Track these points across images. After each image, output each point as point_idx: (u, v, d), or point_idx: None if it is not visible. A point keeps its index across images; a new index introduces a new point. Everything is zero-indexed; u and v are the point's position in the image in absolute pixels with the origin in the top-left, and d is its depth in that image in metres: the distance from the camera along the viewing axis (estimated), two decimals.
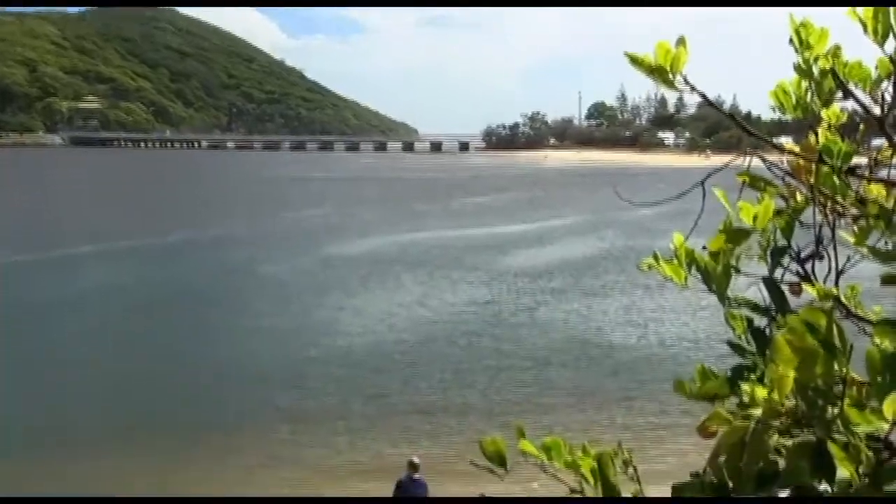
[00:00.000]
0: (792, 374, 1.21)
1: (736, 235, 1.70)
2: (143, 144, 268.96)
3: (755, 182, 1.77)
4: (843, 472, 1.28)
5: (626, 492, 1.67)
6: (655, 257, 2.01)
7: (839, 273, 1.81)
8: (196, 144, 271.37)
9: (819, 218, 1.86)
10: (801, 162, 1.66)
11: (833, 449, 1.26)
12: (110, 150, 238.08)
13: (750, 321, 1.88)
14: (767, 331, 1.85)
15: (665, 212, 48.47)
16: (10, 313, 33.64)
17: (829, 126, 1.67)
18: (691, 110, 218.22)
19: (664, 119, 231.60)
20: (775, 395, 1.21)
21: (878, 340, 1.41)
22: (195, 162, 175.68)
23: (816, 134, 1.66)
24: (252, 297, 35.75)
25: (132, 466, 18.69)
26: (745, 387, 1.34)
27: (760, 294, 1.96)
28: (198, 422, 21.77)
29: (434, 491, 13.53)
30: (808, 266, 1.89)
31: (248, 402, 22.91)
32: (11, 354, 27.96)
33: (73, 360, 27.41)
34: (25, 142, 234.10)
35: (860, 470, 1.24)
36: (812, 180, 1.66)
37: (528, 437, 1.72)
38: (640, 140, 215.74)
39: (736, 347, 1.83)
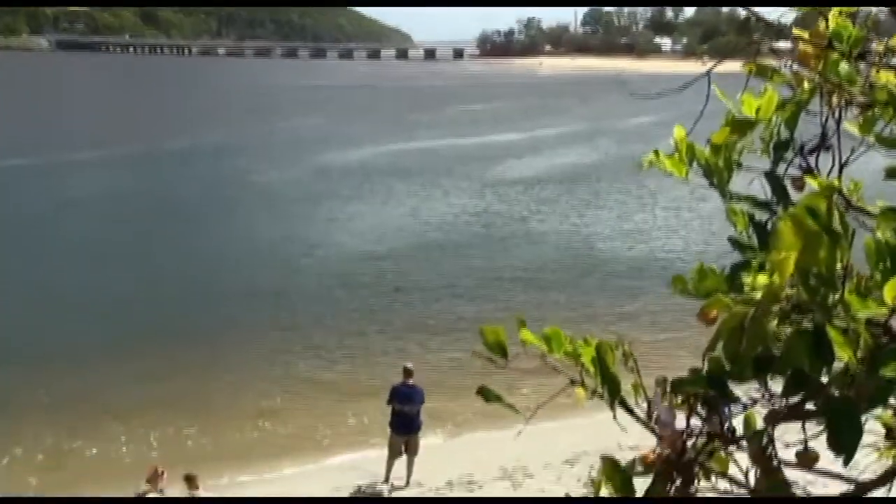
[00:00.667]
0: (793, 258, 1.20)
1: (741, 126, 1.67)
2: (131, 50, 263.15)
3: (762, 70, 1.73)
4: (840, 357, 1.29)
5: (626, 383, 1.68)
6: (656, 153, 1.99)
7: (843, 165, 1.79)
8: (186, 51, 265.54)
9: (825, 109, 1.83)
10: (810, 49, 1.62)
11: (832, 334, 1.26)
12: (97, 54, 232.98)
13: (751, 217, 1.86)
14: (769, 226, 1.84)
15: (661, 120, 48.05)
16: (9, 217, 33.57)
17: (840, 11, 1.63)
18: (689, 14, 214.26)
19: (661, 25, 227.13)
20: (776, 279, 1.21)
21: (879, 232, 1.41)
22: (185, 69, 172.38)
23: (826, 20, 1.61)
24: (243, 207, 35.62)
25: (121, 375, 18.88)
26: (746, 277, 1.34)
27: (763, 190, 1.95)
28: (186, 331, 21.86)
29: (426, 400, 13.68)
30: (812, 159, 1.87)
31: (238, 313, 22.97)
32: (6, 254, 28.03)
33: (63, 267, 27.46)
34: (10, 45, 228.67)
35: (858, 354, 1.25)
36: (820, 67, 1.62)
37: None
38: (637, 46, 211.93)
39: (737, 243, 1.82)
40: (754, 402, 1.59)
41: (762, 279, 1.25)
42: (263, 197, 37.31)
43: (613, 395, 1.56)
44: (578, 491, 11.33)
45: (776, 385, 1.55)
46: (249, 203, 36.24)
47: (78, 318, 22.95)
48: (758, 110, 1.77)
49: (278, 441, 16.11)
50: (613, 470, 1.52)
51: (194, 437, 16.36)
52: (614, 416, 1.51)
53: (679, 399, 1.64)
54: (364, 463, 14.07)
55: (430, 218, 32.98)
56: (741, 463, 1.64)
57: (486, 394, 1.65)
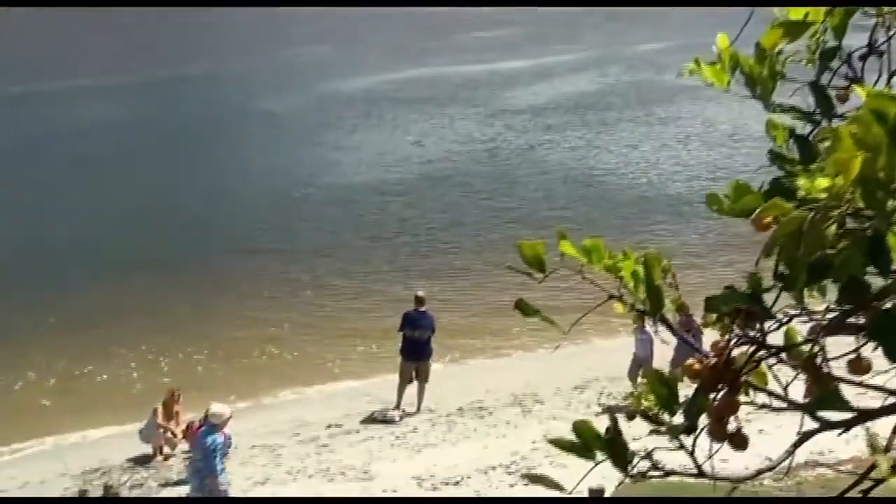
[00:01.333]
0: (858, 161, 1.16)
1: (792, 28, 1.60)
2: None
3: None
4: None
5: (667, 298, 1.65)
6: (697, 62, 1.92)
7: (892, 74, 1.73)
8: None
9: (874, 17, 1.76)
10: None
11: (891, 241, 1.23)
12: None
13: (791, 130, 1.81)
14: (812, 137, 1.79)
15: (672, 46, 47.21)
16: (8, 146, 33.46)
17: None
18: None
19: None
20: (840, 181, 1.17)
21: None
22: None
23: None
24: (247, 136, 35.34)
25: (128, 302, 19.02)
26: (803, 180, 1.29)
27: (805, 104, 1.89)
28: (190, 260, 21.97)
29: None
30: (859, 68, 1.81)
31: (241, 243, 22.94)
32: (9, 187, 28.01)
33: (71, 193, 27.48)
34: None
35: None
36: None
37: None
38: None
39: (777, 156, 1.77)
40: (791, 317, 1.57)
41: (822, 182, 1.21)
42: (268, 125, 37.03)
43: (657, 309, 1.54)
44: (587, 416, 11.45)
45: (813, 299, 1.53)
46: (254, 131, 35.98)
47: (83, 245, 23.04)
48: (806, 15, 1.70)
49: (286, 368, 16.31)
50: (658, 381, 1.50)
51: (203, 362, 16.59)
52: (656, 331, 1.48)
53: (712, 317, 1.62)
54: (374, 389, 14.25)
55: (437, 147, 32.71)
56: (782, 380, 1.63)
57: (524, 308, 1.63)
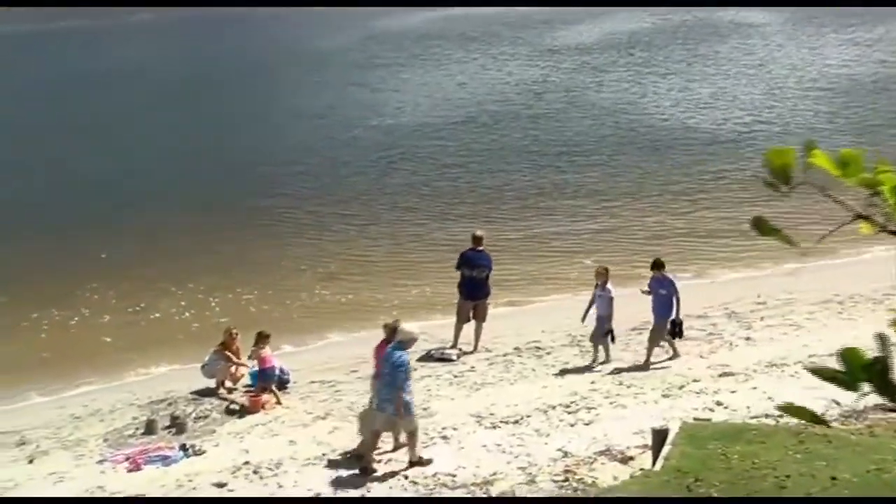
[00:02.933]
0: None
1: None
2: None
3: None
4: None
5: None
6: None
7: None
8: None
9: None
10: None
11: None
12: None
13: None
14: None
15: None
16: (63, 81, 33.67)
17: None
18: None
19: None
20: None
21: None
22: None
23: None
24: (296, 76, 35.18)
25: (179, 243, 19.23)
26: None
27: None
28: (239, 201, 22.01)
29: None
30: None
31: (290, 184, 22.94)
32: (65, 120, 28.26)
33: (121, 132, 27.67)
34: None
35: None
36: None
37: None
38: None
39: None
40: None
41: None
42: (316, 64, 36.75)
43: None
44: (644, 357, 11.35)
45: None
46: (302, 72, 35.77)
47: (129, 183, 23.20)
48: None
49: (340, 309, 16.34)
50: None
51: (254, 303, 16.66)
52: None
53: None
54: (431, 329, 14.19)
55: (484, 87, 32.27)
56: None
57: (761, 227, 1.49)
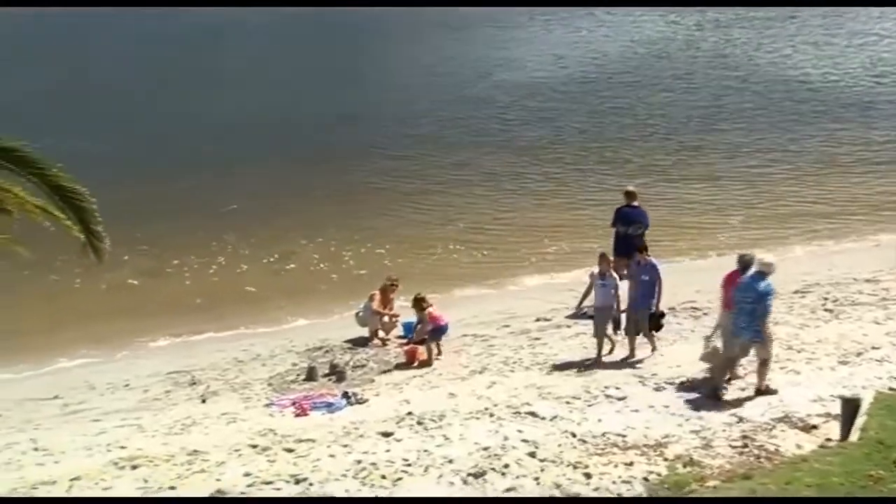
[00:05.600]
0: None
1: None
2: None
3: None
4: None
5: None
6: None
7: None
8: None
9: None
10: None
11: None
12: None
13: None
14: None
15: None
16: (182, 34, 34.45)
17: None
18: None
19: None
20: None
21: None
22: None
23: None
24: (418, 34, 34.87)
25: (308, 195, 19.55)
26: None
27: None
28: (370, 151, 22.17)
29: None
30: None
31: (413, 139, 22.94)
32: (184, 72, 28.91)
33: (258, 78, 28.15)
34: None
35: None
36: None
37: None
38: None
39: None
40: None
41: None
42: (439, 22, 36.30)
43: None
44: (811, 321, 10.77)
45: None
46: (424, 29, 35.45)
47: (261, 138, 23.48)
48: None
49: (482, 263, 16.26)
50: None
51: (388, 257, 16.69)
52: None
53: None
54: (577, 285, 13.94)
55: (613, 45, 31.37)
56: None
57: None
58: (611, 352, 11.17)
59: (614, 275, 11.28)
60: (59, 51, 32.58)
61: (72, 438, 9.54)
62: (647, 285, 10.83)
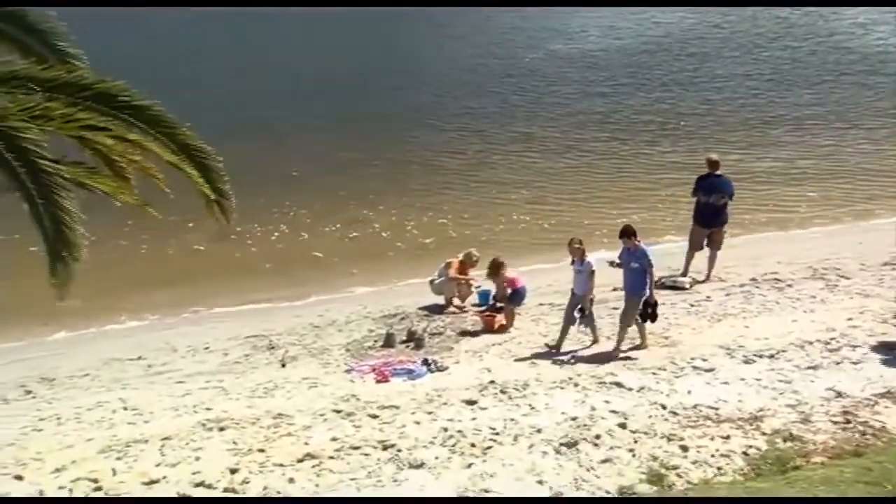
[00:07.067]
0: None
1: None
2: None
3: None
4: None
5: None
6: None
7: None
8: None
9: None
10: None
11: None
12: None
13: None
14: None
15: None
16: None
17: None
18: None
19: None
20: None
21: None
22: None
23: None
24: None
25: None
26: None
27: None
28: (418, 118, 22.03)
29: None
30: None
31: (486, 104, 22.67)
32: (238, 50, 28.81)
33: (318, 52, 27.96)
34: None
35: None
36: None
37: None
38: None
39: None
40: None
41: None
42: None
43: None
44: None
45: None
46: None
47: (322, 106, 23.32)
48: None
49: (549, 232, 15.94)
50: None
51: (452, 227, 16.47)
52: None
53: None
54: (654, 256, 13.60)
55: (666, 17, 30.63)
56: None
57: None
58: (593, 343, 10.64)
59: (590, 261, 10.47)
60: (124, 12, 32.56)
61: (159, 398, 9.58)
62: (638, 272, 10.17)
